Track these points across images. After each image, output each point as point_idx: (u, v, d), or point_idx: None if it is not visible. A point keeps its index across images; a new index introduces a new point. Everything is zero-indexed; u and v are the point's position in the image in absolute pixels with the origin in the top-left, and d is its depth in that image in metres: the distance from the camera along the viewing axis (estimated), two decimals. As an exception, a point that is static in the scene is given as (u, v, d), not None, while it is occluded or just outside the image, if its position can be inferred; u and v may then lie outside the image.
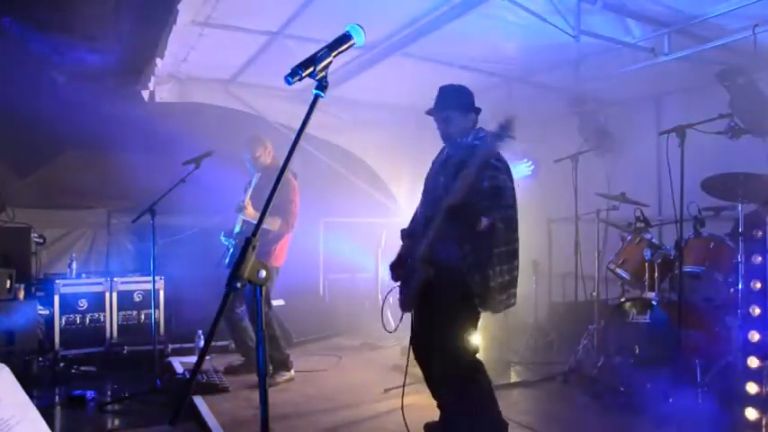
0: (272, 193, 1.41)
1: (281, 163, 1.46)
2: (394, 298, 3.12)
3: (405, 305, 3.06)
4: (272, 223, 4.43)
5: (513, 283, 2.97)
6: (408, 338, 3.14)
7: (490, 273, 2.83)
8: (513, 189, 2.96)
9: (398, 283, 3.13)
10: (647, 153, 5.59)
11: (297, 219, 4.59)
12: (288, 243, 4.68)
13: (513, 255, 2.97)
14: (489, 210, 2.77)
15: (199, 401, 3.89)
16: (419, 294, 2.94)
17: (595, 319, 4.69)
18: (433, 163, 3.27)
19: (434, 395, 3.22)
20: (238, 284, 1.28)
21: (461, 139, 3.07)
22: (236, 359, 4.82)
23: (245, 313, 4.62)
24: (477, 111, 3.14)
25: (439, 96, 3.14)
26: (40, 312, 5.01)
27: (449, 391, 3.03)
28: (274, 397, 4.10)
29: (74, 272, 5.48)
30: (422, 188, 3.30)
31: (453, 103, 3.09)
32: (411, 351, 3.13)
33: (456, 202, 2.67)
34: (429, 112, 3.14)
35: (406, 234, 3.27)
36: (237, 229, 4.60)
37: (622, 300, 4.35)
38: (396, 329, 3.11)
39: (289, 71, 1.47)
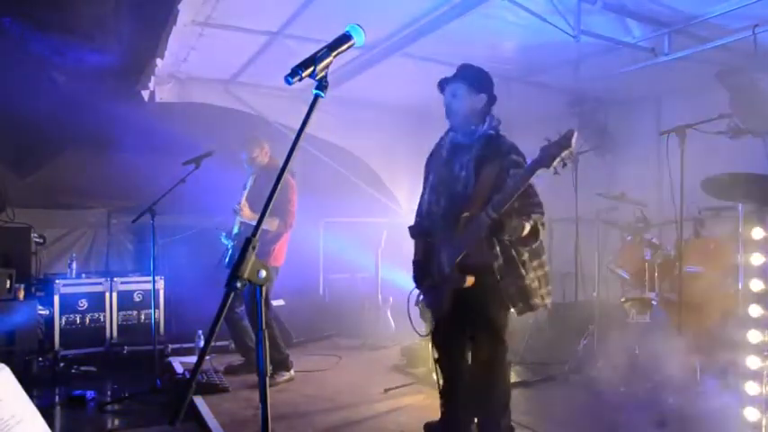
0: (272, 194, 1.41)
1: (280, 163, 1.46)
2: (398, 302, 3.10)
3: (437, 309, 3.00)
4: (269, 223, 4.42)
5: (546, 278, 2.92)
6: (405, 340, 3.12)
7: (523, 272, 2.80)
8: None
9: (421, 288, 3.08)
10: (647, 153, 5.59)
11: (295, 218, 4.59)
12: (287, 243, 4.68)
13: (543, 250, 2.93)
14: (524, 211, 2.72)
15: (199, 401, 3.89)
16: (452, 298, 2.89)
17: (595, 319, 4.68)
18: (439, 147, 3.12)
19: (450, 398, 3.14)
20: (238, 284, 1.28)
21: (476, 126, 2.92)
22: (237, 359, 4.82)
23: (244, 313, 4.62)
24: (492, 96, 2.98)
25: (459, 68, 3.03)
26: (40, 312, 5.01)
27: (491, 389, 2.97)
28: (274, 397, 4.10)
29: (74, 272, 5.49)
30: (425, 177, 3.18)
31: (464, 77, 2.96)
32: (435, 351, 3.10)
33: (501, 214, 2.60)
34: (441, 83, 3.01)
35: (417, 232, 3.16)
36: (236, 230, 4.61)
37: (622, 300, 4.35)
38: (426, 335, 3.04)
39: (289, 71, 1.46)
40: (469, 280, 2.79)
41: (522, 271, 2.80)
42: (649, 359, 3.80)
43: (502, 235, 2.70)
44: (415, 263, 3.14)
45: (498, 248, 2.78)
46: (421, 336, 3.06)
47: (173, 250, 6.12)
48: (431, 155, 3.18)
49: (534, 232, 2.73)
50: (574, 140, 2.48)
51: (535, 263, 2.88)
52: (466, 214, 2.77)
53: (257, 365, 1.35)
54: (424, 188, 3.16)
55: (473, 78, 2.96)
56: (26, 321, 4.77)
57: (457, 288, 2.84)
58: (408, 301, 3.09)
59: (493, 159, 2.79)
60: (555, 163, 2.50)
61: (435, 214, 3.02)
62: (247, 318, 4.59)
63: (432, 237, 3.05)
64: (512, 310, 2.86)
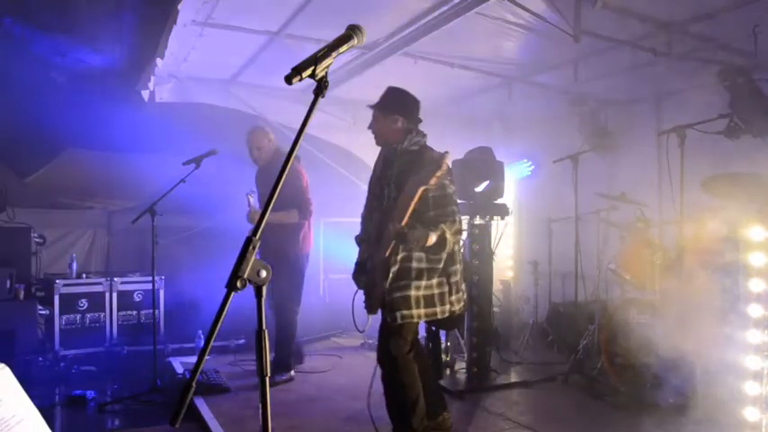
0: (273, 192, 1.40)
1: (285, 156, 1.44)
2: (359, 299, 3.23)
3: (369, 308, 3.16)
4: (289, 216, 4.43)
5: (458, 285, 3.12)
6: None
7: (413, 283, 2.98)
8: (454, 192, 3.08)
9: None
10: (647, 153, 5.59)
11: (312, 205, 4.60)
12: (311, 228, 4.71)
13: (456, 258, 3.11)
14: (436, 221, 2.91)
15: (199, 401, 3.90)
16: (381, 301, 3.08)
17: (595, 319, 4.69)
18: (375, 165, 3.36)
19: None
20: (239, 284, 1.28)
21: (397, 144, 3.14)
22: (236, 359, 4.83)
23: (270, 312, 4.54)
24: (410, 116, 3.16)
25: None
26: (40, 312, 5.02)
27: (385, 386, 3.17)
28: (274, 397, 4.10)
29: (74, 272, 5.49)
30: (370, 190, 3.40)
31: (377, 104, 3.19)
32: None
33: (403, 225, 2.80)
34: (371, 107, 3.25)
35: (359, 240, 3.36)
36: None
37: (622, 300, 4.35)
38: (365, 330, 3.18)
39: (289, 71, 1.46)
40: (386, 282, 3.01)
41: (414, 282, 2.98)
42: (649, 359, 3.80)
43: (406, 244, 2.89)
44: (356, 263, 3.32)
45: (399, 256, 2.97)
46: (359, 331, 3.20)
47: (173, 250, 6.12)
48: (372, 173, 3.41)
49: (441, 242, 2.90)
50: (446, 162, 2.76)
51: (449, 269, 3.07)
52: (390, 225, 2.93)
53: (257, 366, 1.35)
54: (366, 201, 3.42)
55: (386, 103, 3.18)
56: (26, 321, 4.77)
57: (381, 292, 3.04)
58: (353, 301, 3.23)
59: (416, 172, 2.93)
60: (432, 181, 2.74)
61: (369, 228, 3.26)
62: (273, 314, 4.53)
63: (369, 245, 3.24)
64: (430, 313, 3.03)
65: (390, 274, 2.97)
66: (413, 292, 2.99)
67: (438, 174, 2.73)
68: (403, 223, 2.81)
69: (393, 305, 2.99)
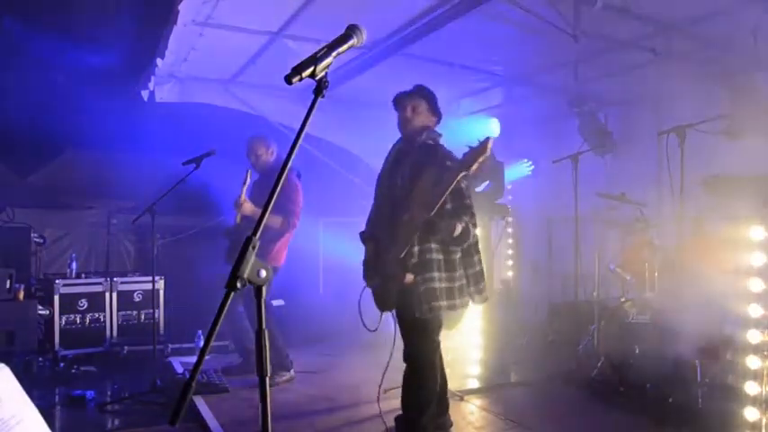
0: (273, 193, 1.40)
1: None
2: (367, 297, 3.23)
3: (383, 305, 3.17)
4: (273, 221, 4.40)
5: (477, 276, 3.12)
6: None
7: (435, 275, 2.98)
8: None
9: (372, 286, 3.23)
10: (647, 153, 5.58)
11: (298, 219, 4.58)
12: (288, 243, 4.67)
13: (476, 249, 3.12)
14: (457, 212, 2.94)
15: (199, 401, 3.89)
16: (397, 297, 3.07)
17: (595, 319, 4.68)
18: (387, 158, 3.34)
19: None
20: (238, 284, 1.28)
21: (418, 137, 3.16)
22: (236, 359, 4.82)
23: (244, 314, 4.60)
24: (433, 109, 3.25)
25: (416, 87, 3.28)
26: (40, 312, 5.01)
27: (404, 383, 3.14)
28: (274, 397, 4.10)
29: (74, 272, 5.49)
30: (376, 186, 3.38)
31: (427, 97, 3.22)
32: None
33: (433, 215, 2.81)
34: (399, 95, 3.25)
35: (367, 237, 3.33)
36: (238, 220, 4.56)
37: (622, 300, 4.35)
38: (376, 329, 3.18)
39: (289, 71, 1.46)
40: (409, 277, 2.98)
41: (436, 274, 2.98)
42: (649, 359, 3.80)
43: (435, 235, 2.91)
44: (364, 263, 3.31)
45: (417, 249, 2.97)
46: (370, 330, 3.21)
47: (173, 250, 6.12)
48: (382, 167, 3.38)
49: (465, 232, 2.93)
50: (489, 146, 2.72)
51: (466, 261, 3.10)
52: (407, 216, 2.97)
53: (257, 366, 1.35)
54: (374, 196, 3.40)
55: (433, 99, 3.25)
56: (26, 321, 4.77)
57: (401, 287, 3.01)
58: (360, 299, 3.24)
59: (430, 166, 2.98)
60: (474, 167, 2.74)
61: (382, 220, 3.25)
62: (248, 319, 4.57)
63: (379, 241, 3.23)
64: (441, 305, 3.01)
65: (410, 267, 2.96)
66: (437, 284, 2.98)
67: (481, 159, 2.72)
68: (433, 212, 2.81)
69: (420, 297, 2.97)
